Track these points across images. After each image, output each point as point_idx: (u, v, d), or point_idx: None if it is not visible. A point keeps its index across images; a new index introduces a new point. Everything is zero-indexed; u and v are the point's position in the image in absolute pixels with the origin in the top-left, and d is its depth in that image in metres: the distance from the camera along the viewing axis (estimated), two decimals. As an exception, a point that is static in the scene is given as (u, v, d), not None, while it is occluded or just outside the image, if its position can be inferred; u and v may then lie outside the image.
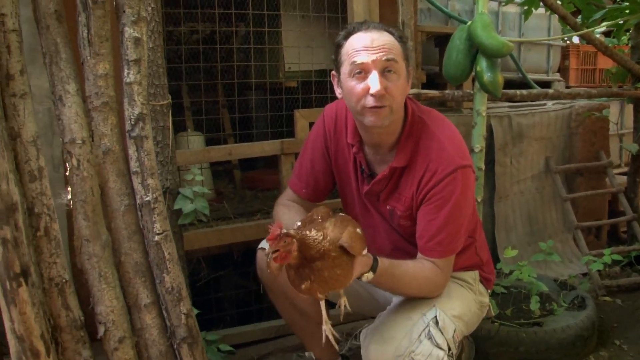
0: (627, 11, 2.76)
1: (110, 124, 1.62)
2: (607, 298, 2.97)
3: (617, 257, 2.69)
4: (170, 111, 2.15)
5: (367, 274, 1.57)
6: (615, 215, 3.59)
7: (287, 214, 1.92)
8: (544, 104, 3.49)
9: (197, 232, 2.49)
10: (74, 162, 1.59)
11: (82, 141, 1.59)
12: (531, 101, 3.35)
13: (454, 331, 1.70)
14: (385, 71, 1.59)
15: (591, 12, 2.91)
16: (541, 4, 3.05)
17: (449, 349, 1.66)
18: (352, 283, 1.92)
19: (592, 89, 2.91)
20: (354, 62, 1.60)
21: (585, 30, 2.83)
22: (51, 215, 1.57)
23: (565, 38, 3.66)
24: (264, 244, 2.04)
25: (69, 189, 1.62)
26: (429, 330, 1.65)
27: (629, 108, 3.45)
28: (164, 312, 1.71)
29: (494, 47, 2.38)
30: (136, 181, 1.64)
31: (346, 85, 1.66)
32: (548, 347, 2.34)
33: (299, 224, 1.62)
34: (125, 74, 1.62)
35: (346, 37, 1.67)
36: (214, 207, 2.69)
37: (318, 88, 2.86)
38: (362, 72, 1.60)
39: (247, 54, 2.80)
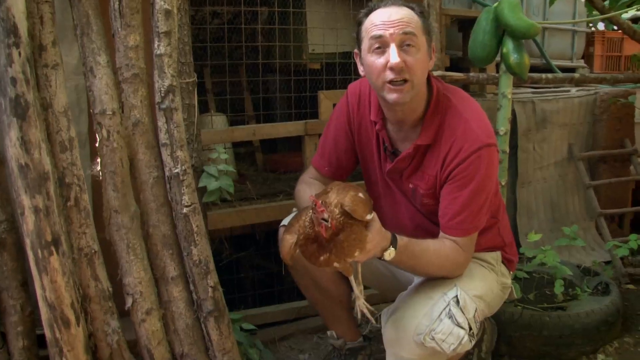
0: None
1: (140, 96, 1.63)
2: (630, 286, 2.94)
3: (642, 242, 2.66)
4: (196, 89, 2.15)
5: (388, 251, 1.55)
6: (638, 204, 3.54)
7: (309, 191, 1.91)
8: (568, 90, 3.45)
9: (220, 212, 2.50)
10: (104, 133, 1.60)
11: (112, 112, 1.60)
12: (556, 86, 3.30)
13: (475, 311, 1.68)
14: (404, 45, 1.59)
15: (620, -5, 2.87)
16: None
17: (470, 329, 1.64)
18: (375, 262, 1.93)
19: (618, 74, 2.86)
20: (372, 36, 1.60)
21: (613, 13, 2.79)
22: (81, 185, 1.58)
23: (591, 24, 3.61)
24: (287, 220, 2.03)
25: (98, 160, 1.63)
26: (450, 309, 1.63)
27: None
28: (190, 285, 1.72)
29: (521, 28, 2.35)
30: (165, 153, 1.65)
31: (366, 61, 1.65)
32: (572, 331, 2.31)
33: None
34: (156, 45, 1.62)
35: (367, 15, 1.68)
36: (236, 188, 2.68)
37: (342, 70, 2.85)
38: (380, 46, 1.60)
39: (271, 35, 2.79)
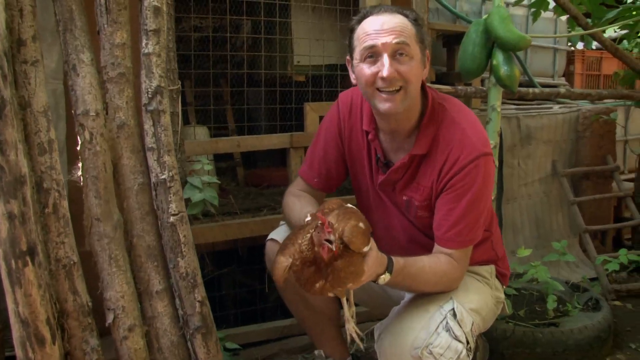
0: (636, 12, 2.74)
1: (126, 97, 1.53)
2: (617, 302, 2.91)
3: (633, 257, 2.64)
4: (180, 98, 2.07)
5: (383, 276, 1.49)
6: (618, 222, 3.55)
7: (298, 203, 1.83)
8: (551, 107, 3.46)
9: (202, 227, 2.39)
10: (87, 135, 1.50)
11: (95, 113, 1.50)
12: (539, 103, 3.31)
13: (472, 324, 1.63)
14: (396, 54, 1.54)
15: (602, 12, 2.89)
16: (550, 6, 3.04)
17: (467, 342, 1.58)
18: None
19: (603, 91, 2.87)
20: (365, 46, 1.56)
21: (596, 30, 2.80)
22: (60, 191, 1.47)
23: (570, 43, 3.65)
24: (275, 234, 1.95)
25: (79, 164, 1.52)
26: (447, 322, 1.58)
27: (635, 114, 3.44)
28: (176, 299, 1.61)
29: (512, 40, 2.34)
30: (152, 158, 1.55)
31: (358, 70, 1.60)
32: (565, 348, 2.26)
33: (309, 218, 1.52)
34: (144, 44, 1.53)
35: (359, 22, 1.62)
36: (219, 202, 2.60)
37: (328, 82, 2.80)
38: (373, 55, 1.55)
39: (255, 46, 2.71)
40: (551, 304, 2.34)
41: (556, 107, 3.46)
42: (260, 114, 2.80)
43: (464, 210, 1.62)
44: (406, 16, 1.60)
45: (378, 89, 1.57)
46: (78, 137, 1.51)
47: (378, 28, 1.55)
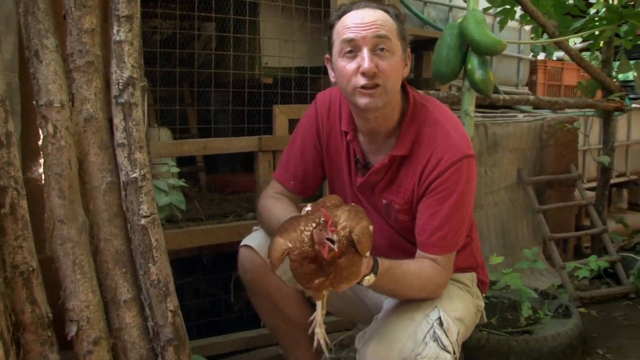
0: (605, 22, 2.79)
1: (94, 88, 1.40)
2: (582, 309, 2.93)
3: (603, 263, 2.66)
4: (146, 96, 1.94)
5: (368, 277, 1.41)
6: (578, 230, 3.60)
7: (280, 206, 1.74)
8: (515, 116, 3.49)
9: (167, 233, 2.22)
10: (50, 128, 1.36)
11: (60, 105, 1.36)
12: (503, 111, 3.33)
13: (458, 334, 1.57)
14: (377, 49, 1.48)
15: (568, 22, 2.93)
16: (516, 15, 3.06)
17: (454, 352, 1.52)
18: None
19: (569, 99, 2.91)
20: (344, 39, 1.49)
21: (562, 38, 2.83)
22: (19, 190, 1.32)
23: (533, 53, 3.71)
24: (250, 240, 1.85)
25: (41, 161, 1.38)
26: (435, 332, 1.52)
27: (595, 124, 3.50)
28: (146, 309, 1.47)
29: (488, 44, 2.32)
30: (122, 155, 1.42)
31: (337, 66, 1.54)
32: (539, 355, 2.25)
33: (309, 208, 1.44)
34: (115, 31, 1.41)
35: (339, 17, 1.56)
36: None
37: (297, 84, 2.71)
38: (352, 50, 1.49)
39: (224, 45, 2.59)
40: (526, 311, 2.33)
41: (520, 116, 3.48)
42: (227, 116, 2.67)
43: (447, 214, 1.56)
44: (387, 12, 1.54)
45: (358, 87, 1.50)
46: (40, 131, 1.37)
47: (358, 22, 1.49)
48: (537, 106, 2.80)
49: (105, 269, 1.45)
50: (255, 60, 2.74)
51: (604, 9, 2.98)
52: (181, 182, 2.06)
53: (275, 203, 1.75)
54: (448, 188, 1.56)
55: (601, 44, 2.97)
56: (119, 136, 1.41)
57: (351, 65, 1.49)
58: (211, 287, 2.65)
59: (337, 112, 1.74)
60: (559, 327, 2.37)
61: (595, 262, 2.57)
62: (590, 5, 2.97)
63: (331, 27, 1.58)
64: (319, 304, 1.46)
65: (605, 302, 3.02)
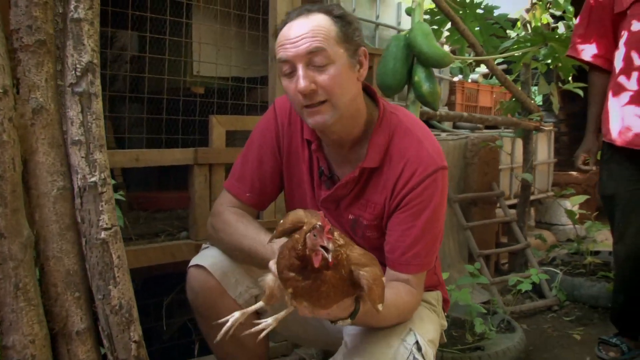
0: (529, 44, 2.91)
1: (45, 73, 1.15)
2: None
3: (543, 275, 2.72)
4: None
5: (342, 322, 1.27)
6: (498, 247, 3.70)
7: (244, 220, 1.58)
8: (439, 134, 3.54)
9: (93, 255, 1.96)
10: (-11, 120, 1.09)
11: (3, 90, 1.09)
12: (434, 126, 3.36)
13: (434, 357, 1.50)
14: (313, 63, 1.36)
15: (494, 43, 3.02)
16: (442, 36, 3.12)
17: None
18: None
19: (497, 117, 3.00)
20: (279, 59, 1.39)
21: (488, 57, 2.92)
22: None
23: (451, 74, 3.83)
24: (201, 259, 1.65)
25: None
26: (414, 357, 1.42)
27: (519, 143, 3.63)
28: (105, 341, 1.22)
29: (436, 56, 2.30)
30: (77, 155, 1.18)
31: (283, 85, 1.43)
32: (494, 370, 2.22)
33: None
34: (72, 7, 1.17)
35: (280, 30, 1.44)
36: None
37: (235, 94, 2.54)
38: (290, 69, 1.37)
39: (159, 49, 2.34)
40: (479, 327, 2.30)
41: (443, 135, 3.54)
42: (142, 128, 2.39)
43: (421, 230, 1.46)
44: (328, 13, 1.40)
45: (304, 106, 1.39)
46: (-25, 122, 1.09)
47: (290, 37, 1.36)
48: (470, 122, 2.85)
49: (53, 294, 1.18)
50: (186, 68, 2.52)
51: (523, 32, 3.13)
52: (120, 196, 1.80)
53: (240, 219, 1.58)
54: (422, 202, 1.46)
55: (521, 66, 3.11)
56: (75, 132, 1.17)
57: (292, 85, 1.37)
58: (140, 314, 2.36)
59: (299, 119, 1.60)
60: (507, 341, 2.37)
61: (536, 275, 2.62)
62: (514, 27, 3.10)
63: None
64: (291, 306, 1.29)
65: (533, 315, 3.09)
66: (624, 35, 2.26)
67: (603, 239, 3.62)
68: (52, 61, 1.16)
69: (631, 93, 2.20)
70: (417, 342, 1.43)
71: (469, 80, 3.89)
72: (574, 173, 5.10)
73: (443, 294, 1.78)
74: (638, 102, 2.19)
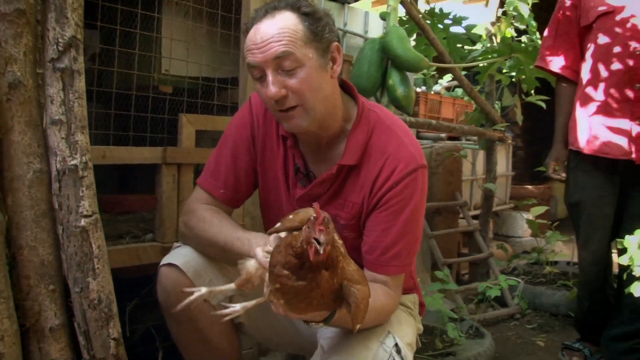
0: (496, 54, 2.96)
1: (24, 45, 1.07)
2: (479, 331, 2.99)
3: (512, 282, 2.74)
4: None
5: (318, 324, 1.23)
6: (458, 257, 3.73)
7: (218, 216, 1.52)
8: (404, 144, 3.54)
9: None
10: (-39, 92, 1.00)
11: (-23, 62, 1.01)
12: (418, 130, 3.35)
13: None
14: (281, 68, 1.32)
15: (461, 53, 3.07)
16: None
17: None
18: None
19: (464, 125, 3.03)
20: (248, 64, 1.35)
21: (455, 65, 2.95)
22: None
23: (415, 85, 3.86)
24: (173, 258, 1.56)
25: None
26: (394, 359, 1.38)
27: (482, 154, 3.68)
28: (80, 338, 1.13)
29: (412, 60, 2.31)
30: (57, 135, 1.09)
31: (257, 89, 1.41)
32: (466, 377, 2.20)
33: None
34: (56, -24, 1.10)
35: (249, 29, 1.40)
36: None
37: (205, 94, 2.46)
38: (260, 75, 1.34)
39: (129, 44, 2.24)
40: (451, 332, 2.28)
41: (408, 144, 3.54)
42: (111, 123, 2.27)
43: (401, 229, 1.42)
44: (295, 10, 1.35)
45: (277, 110, 1.36)
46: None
47: (257, 41, 1.32)
48: (438, 130, 2.88)
49: (25, 287, 1.08)
50: (154, 65, 2.43)
51: (488, 44, 3.19)
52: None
53: (215, 215, 1.51)
54: (402, 200, 1.43)
55: (487, 77, 3.16)
56: (55, 111, 1.08)
57: (263, 90, 1.34)
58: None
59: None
60: (477, 347, 2.36)
61: (505, 282, 2.63)
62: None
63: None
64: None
65: (497, 323, 3.11)
66: (591, 47, 2.32)
67: (558, 250, 3.70)
68: (32, 33, 1.08)
69: (598, 103, 2.26)
70: (396, 345, 1.40)
71: (432, 92, 3.94)
72: (529, 186, 5.24)
73: (419, 298, 1.75)
74: (605, 112, 2.24)
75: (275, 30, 1.30)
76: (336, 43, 1.40)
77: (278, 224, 1.20)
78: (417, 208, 1.45)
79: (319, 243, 1.03)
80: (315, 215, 1.04)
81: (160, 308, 1.57)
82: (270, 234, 1.23)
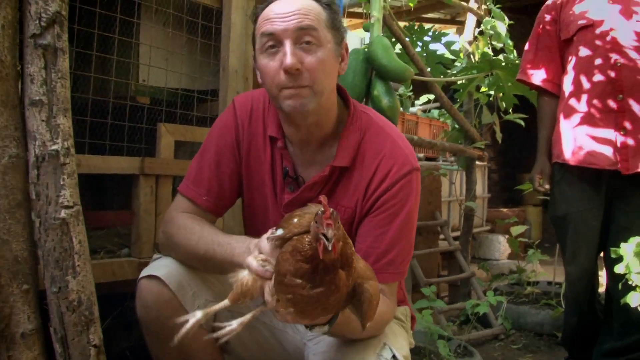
0: (475, 71, 2.97)
1: (2, 18, 0.97)
2: (460, 351, 2.91)
3: (500, 297, 2.68)
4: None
5: (322, 327, 1.16)
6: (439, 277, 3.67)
7: (207, 226, 1.42)
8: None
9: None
10: None
11: (-50, 32, 0.91)
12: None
13: None
14: (302, 42, 1.28)
15: (439, 70, 3.07)
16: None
17: None
18: (259, 326, 1.51)
19: (445, 142, 3.01)
20: (263, 32, 1.29)
21: (436, 79, 2.94)
22: None
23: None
24: (154, 269, 1.45)
25: None
26: None
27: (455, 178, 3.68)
28: (57, 345, 1.00)
29: (397, 70, 2.27)
30: (37, 117, 0.99)
31: (259, 65, 1.33)
32: (458, 396, 2.12)
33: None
34: (39, -53, 1.01)
35: (263, 9, 1.36)
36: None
37: (184, 104, 2.37)
38: (274, 45, 1.29)
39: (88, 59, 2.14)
40: (442, 349, 2.20)
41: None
42: (86, 131, 2.16)
43: (396, 234, 1.36)
44: (317, 0, 1.34)
45: (282, 87, 1.29)
46: None
47: (279, 12, 1.28)
48: (421, 145, 2.83)
49: (-4, 285, 0.96)
50: (131, 75, 2.33)
51: (466, 62, 3.19)
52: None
53: (196, 222, 1.42)
54: (397, 204, 1.37)
55: (466, 94, 3.16)
56: (35, 91, 0.98)
57: (273, 63, 1.27)
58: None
59: (261, 118, 1.48)
60: (469, 366, 2.29)
61: (493, 298, 2.57)
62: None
63: (255, 21, 1.36)
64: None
65: (482, 344, 3.04)
66: (572, 60, 2.33)
67: (538, 270, 3.68)
68: (12, 6, 0.99)
69: (582, 114, 2.26)
70: (394, 357, 1.32)
71: (409, 113, 3.93)
72: (504, 209, 5.24)
73: (410, 311, 1.68)
74: (589, 123, 2.24)
75: (302, 4, 1.29)
76: (346, 42, 1.38)
77: (277, 230, 1.10)
78: (412, 212, 1.39)
79: (327, 239, 0.95)
80: (322, 209, 0.96)
81: (139, 324, 1.45)
82: (274, 240, 1.13)
